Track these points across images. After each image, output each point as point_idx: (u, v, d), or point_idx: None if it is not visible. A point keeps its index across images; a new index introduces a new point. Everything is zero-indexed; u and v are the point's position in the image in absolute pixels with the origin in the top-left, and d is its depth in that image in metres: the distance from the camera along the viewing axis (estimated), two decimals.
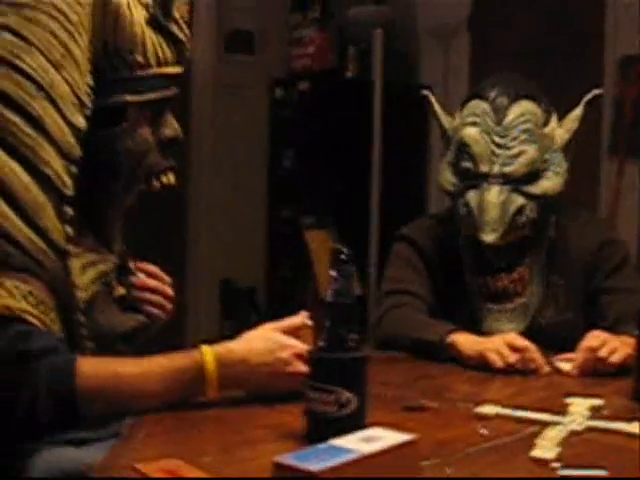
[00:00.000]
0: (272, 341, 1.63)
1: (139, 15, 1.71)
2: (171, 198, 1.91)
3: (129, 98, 1.70)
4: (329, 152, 5.27)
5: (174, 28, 1.75)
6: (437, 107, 2.45)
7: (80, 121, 1.62)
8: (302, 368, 1.56)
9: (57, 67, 1.59)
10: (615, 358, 1.94)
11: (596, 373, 1.97)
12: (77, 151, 1.62)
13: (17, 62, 1.58)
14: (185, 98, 5.24)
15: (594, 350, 1.97)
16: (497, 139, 2.23)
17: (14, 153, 1.56)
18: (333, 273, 1.37)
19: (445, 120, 2.41)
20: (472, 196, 2.24)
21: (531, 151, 2.22)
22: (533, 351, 2.02)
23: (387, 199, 4.76)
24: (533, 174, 2.23)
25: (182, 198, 5.36)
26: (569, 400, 1.69)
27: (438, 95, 2.57)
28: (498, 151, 2.22)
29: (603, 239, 2.35)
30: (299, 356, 1.60)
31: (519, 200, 2.21)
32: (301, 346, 1.61)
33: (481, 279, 2.28)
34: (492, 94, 2.26)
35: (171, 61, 1.76)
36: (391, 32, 5.12)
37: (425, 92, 2.47)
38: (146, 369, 1.55)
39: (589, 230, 2.38)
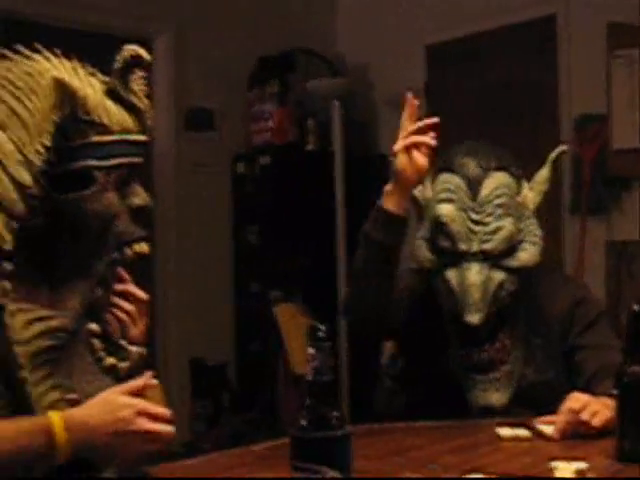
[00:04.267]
0: (112, 402, 1.60)
1: (97, 86, 1.74)
2: (137, 276, 1.89)
3: (95, 163, 1.71)
4: (293, 225, 5.28)
5: (133, 99, 1.77)
6: None
7: (25, 178, 1.64)
8: (147, 425, 1.57)
9: (2, 127, 1.64)
10: (596, 421, 1.93)
11: (577, 435, 1.95)
12: (20, 208, 1.64)
13: None
14: (147, 176, 5.24)
15: (575, 413, 1.96)
16: (473, 215, 2.22)
17: None
18: (311, 350, 1.35)
19: (416, 190, 2.37)
20: (452, 275, 2.23)
21: (508, 226, 2.21)
22: None
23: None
24: (510, 248, 2.23)
25: (148, 277, 5.33)
26: (554, 464, 1.68)
27: None
28: (475, 228, 2.22)
29: (577, 298, 2.35)
30: (142, 414, 1.58)
31: (499, 276, 2.21)
32: (143, 404, 1.60)
33: (464, 351, 2.28)
34: (464, 167, 2.25)
35: (134, 129, 1.77)
36: (349, 103, 5.17)
37: (391, 159, 2.46)
38: None
39: (563, 289, 2.38)
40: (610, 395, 1.86)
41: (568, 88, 4.83)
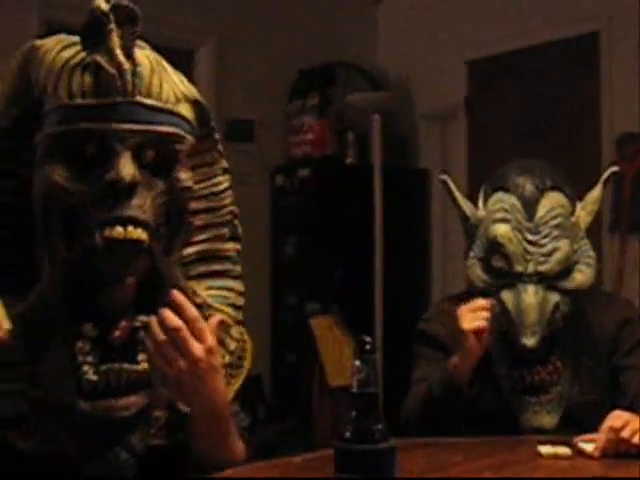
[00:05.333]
0: None
1: (69, 54, 1.55)
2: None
3: (38, 135, 1.54)
4: (331, 237, 5.28)
5: (101, 59, 1.51)
6: (457, 193, 2.40)
7: None
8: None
9: None
10: (638, 439, 1.92)
11: (618, 454, 1.94)
12: None
13: None
14: None
15: (616, 431, 1.94)
16: (529, 236, 2.20)
17: None
18: (357, 363, 1.36)
19: (466, 207, 2.37)
20: (508, 297, 2.21)
21: (564, 247, 2.20)
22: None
23: (390, 283, 4.77)
24: (566, 269, 2.21)
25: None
26: None
27: (437, 176, 2.56)
28: (531, 249, 2.20)
29: (622, 319, 2.33)
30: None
31: (555, 297, 2.20)
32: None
33: (516, 372, 2.26)
34: (519, 187, 2.22)
35: (89, 92, 1.51)
36: (389, 117, 5.18)
37: (443, 177, 2.43)
38: None
39: (609, 309, 2.36)
40: None
41: (610, 106, 4.81)
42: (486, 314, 2.14)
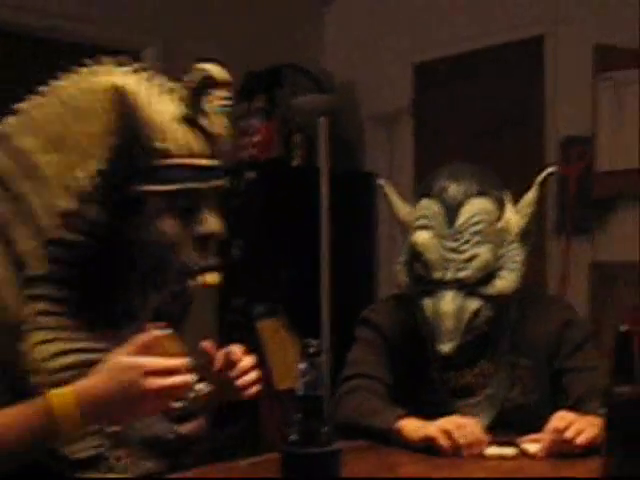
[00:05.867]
0: (115, 367, 1.50)
1: (167, 107, 1.67)
2: None
3: (151, 187, 1.64)
4: (278, 240, 5.27)
5: (204, 122, 1.69)
6: (394, 198, 2.42)
7: (64, 203, 1.60)
8: (157, 383, 1.49)
9: (53, 149, 1.60)
10: (582, 439, 1.93)
11: (563, 454, 1.95)
12: (56, 233, 1.60)
13: (13, 141, 1.61)
14: None
15: (561, 431, 1.96)
16: (449, 243, 2.19)
17: None
18: (302, 365, 1.35)
19: (403, 211, 2.37)
20: (427, 304, 2.21)
21: (484, 253, 2.18)
22: (474, 426, 2.03)
23: (337, 285, 4.76)
24: (487, 275, 2.20)
25: None
26: None
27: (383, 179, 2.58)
28: (451, 256, 2.18)
29: (565, 320, 2.34)
30: (150, 372, 1.49)
31: (474, 304, 2.18)
32: (149, 362, 1.50)
33: (445, 375, 2.26)
34: (443, 193, 2.21)
35: (202, 154, 1.69)
36: (335, 120, 5.18)
37: (381, 182, 2.46)
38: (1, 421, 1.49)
39: (550, 311, 2.37)
40: (597, 415, 1.86)
41: (554, 109, 4.85)
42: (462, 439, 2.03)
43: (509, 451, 2.01)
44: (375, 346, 2.37)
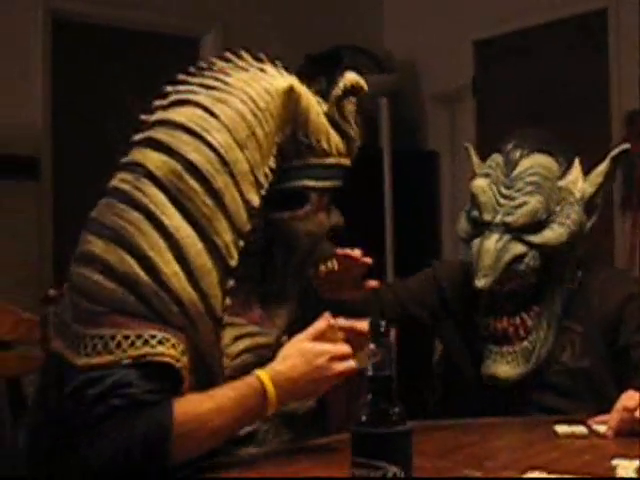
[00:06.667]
0: (308, 352, 1.70)
1: (320, 109, 1.84)
2: None
3: (313, 183, 1.81)
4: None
5: (346, 125, 1.88)
6: (474, 158, 2.52)
7: (255, 199, 1.71)
8: (339, 368, 1.70)
9: (241, 146, 1.70)
10: None
11: (633, 433, 1.93)
12: (247, 227, 1.71)
13: (207, 137, 1.69)
14: None
15: (630, 411, 1.94)
16: (503, 190, 2.29)
17: (190, 219, 1.65)
18: (372, 346, 1.35)
19: (479, 169, 2.46)
20: (475, 243, 2.30)
21: (534, 203, 2.24)
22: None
23: (401, 266, 4.76)
24: (536, 224, 2.25)
25: None
26: (615, 462, 1.66)
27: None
28: (503, 201, 2.28)
29: (628, 293, 2.32)
30: (334, 358, 1.70)
31: (517, 248, 2.25)
32: (334, 349, 1.71)
33: (485, 320, 2.32)
34: (508, 147, 2.31)
35: (345, 154, 1.86)
36: (396, 100, 5.16)
37: (466, 145, 2.60)
38: (219, 403, 1.62)
39: (614, 283, 2.37)
40: None
41: (619, 83, 4.78)
42: None
43: (581, 429, 1.99)
44: (426, 293, 2.53)
